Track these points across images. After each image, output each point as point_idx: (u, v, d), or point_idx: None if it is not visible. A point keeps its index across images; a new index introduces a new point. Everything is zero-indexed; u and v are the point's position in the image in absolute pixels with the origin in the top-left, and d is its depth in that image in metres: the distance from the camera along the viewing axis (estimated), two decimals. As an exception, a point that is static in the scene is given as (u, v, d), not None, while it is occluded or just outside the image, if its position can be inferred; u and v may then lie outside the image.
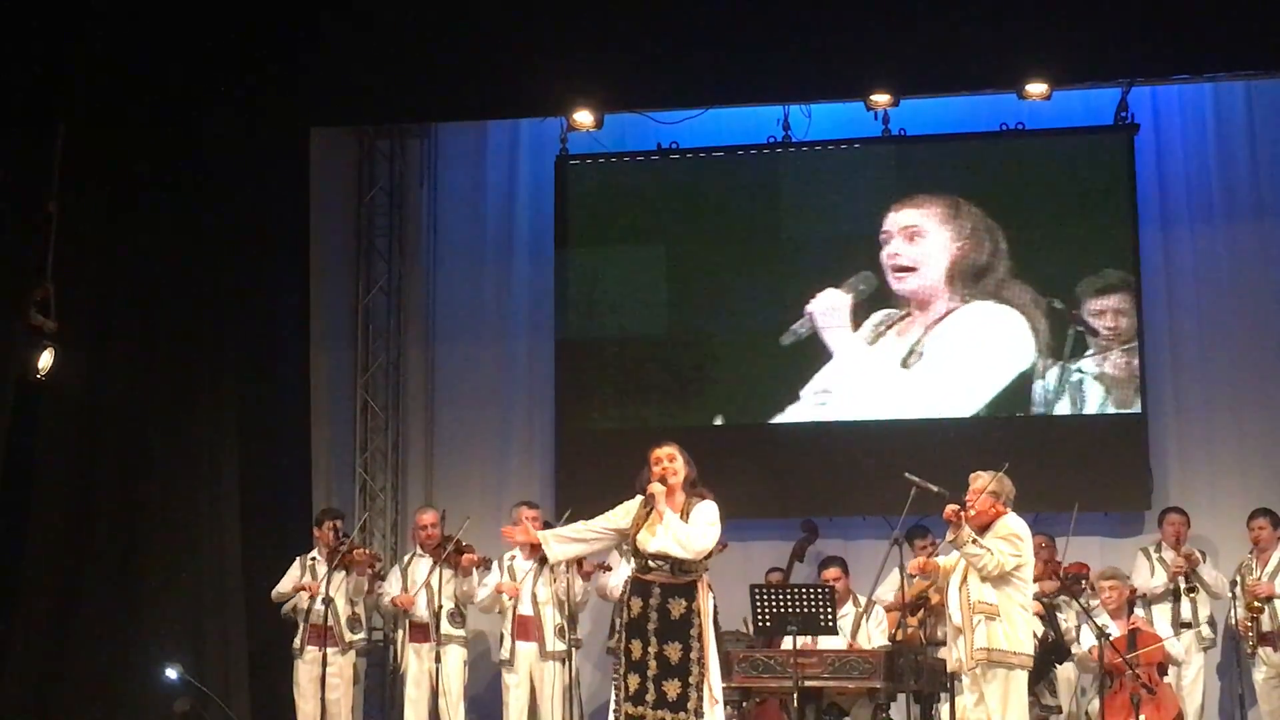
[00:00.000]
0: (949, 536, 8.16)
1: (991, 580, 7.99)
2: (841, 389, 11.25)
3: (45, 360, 9.45)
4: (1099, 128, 11.12)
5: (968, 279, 11.15)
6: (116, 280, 10.06)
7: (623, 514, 7.55)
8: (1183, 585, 9.96)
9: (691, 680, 7.33)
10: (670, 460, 7.48)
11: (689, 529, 7.39)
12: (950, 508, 8.11)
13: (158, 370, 10.16)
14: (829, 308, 11.27)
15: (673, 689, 7.33)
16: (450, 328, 12.03)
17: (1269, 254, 11.00)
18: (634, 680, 7.40)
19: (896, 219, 11.28)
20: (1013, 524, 8.13)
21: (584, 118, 10.94)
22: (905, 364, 11.14)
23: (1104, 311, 10.96)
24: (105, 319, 10.02)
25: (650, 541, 7.42)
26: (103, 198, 9.90)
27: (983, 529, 8.11)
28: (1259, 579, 9.84)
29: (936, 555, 9.27)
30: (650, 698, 7.35)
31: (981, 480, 8.19)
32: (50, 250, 9.45)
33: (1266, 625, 9.79)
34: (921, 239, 11.24)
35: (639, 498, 7.53)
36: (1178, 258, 11.17)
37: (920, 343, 11.15)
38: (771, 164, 11.53)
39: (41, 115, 9.33)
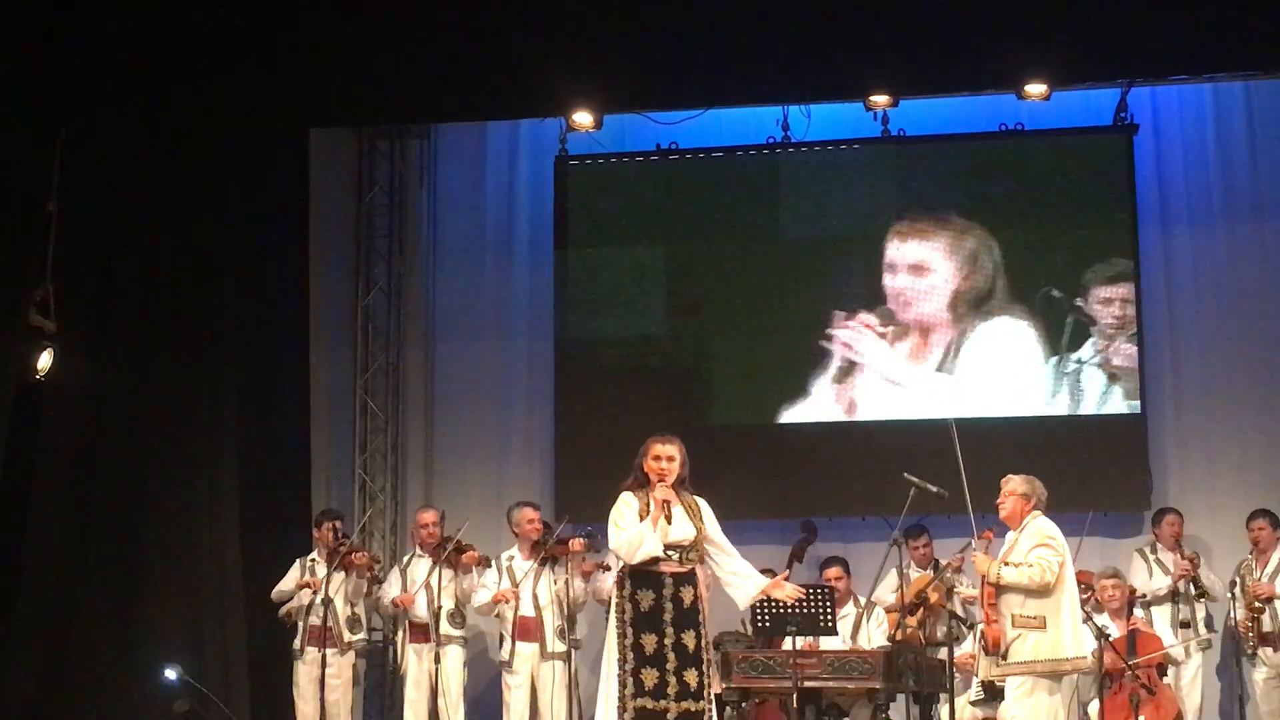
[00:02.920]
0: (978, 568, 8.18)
1: (1035, 592, 7.94)
2: (841, 390, 11.26)
3: (45, 361, 9.45)
4: (1098, 128, 11.12)
5: (970, 305, 11.15)
6: (116, 281, 10.06)
7: (629, 510, 7.55)
8: (1192, 590, 9.95)
9: (704, 668, 7.40)
10: (670, 461, 7.53)
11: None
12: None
13: (157, 370, 10.15)
14: (856, 333, 11.28)
15: (693, 678, 7.37)
16: (450, 328, 12.04)
17: (1268, 255, 11.00)
18: (651, 674, 7.36)
19: (903, 252, 11.25)
20: (1044, 526, 8.13)
21: (583, 118, 10.94)
22: (918, 371, 11.16)
23: (1111, 300, 10.96)
24: (105, 319, 10.01)
25: (670, 532, 7.43)
26: (102, 198, 9.90)
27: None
28: (1259, 580, 9.85)
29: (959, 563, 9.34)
30: (673, 690, 7.34)
31: (1012, 484, 8.23)
32: (50, 251, 9.45)
33: (1267, 626, 9.80)
34: (928, 272, 11.22)
35: (629, 495, 7.54)
36: (1177, 258, 11.17)
37: (927, 352, 11.17)
38: (771, 164, 11.53)
39: (41, 115, 9.32)
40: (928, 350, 11.16)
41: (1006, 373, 11.06)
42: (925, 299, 11.21)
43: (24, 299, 9.31)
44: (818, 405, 11.26)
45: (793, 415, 11.29)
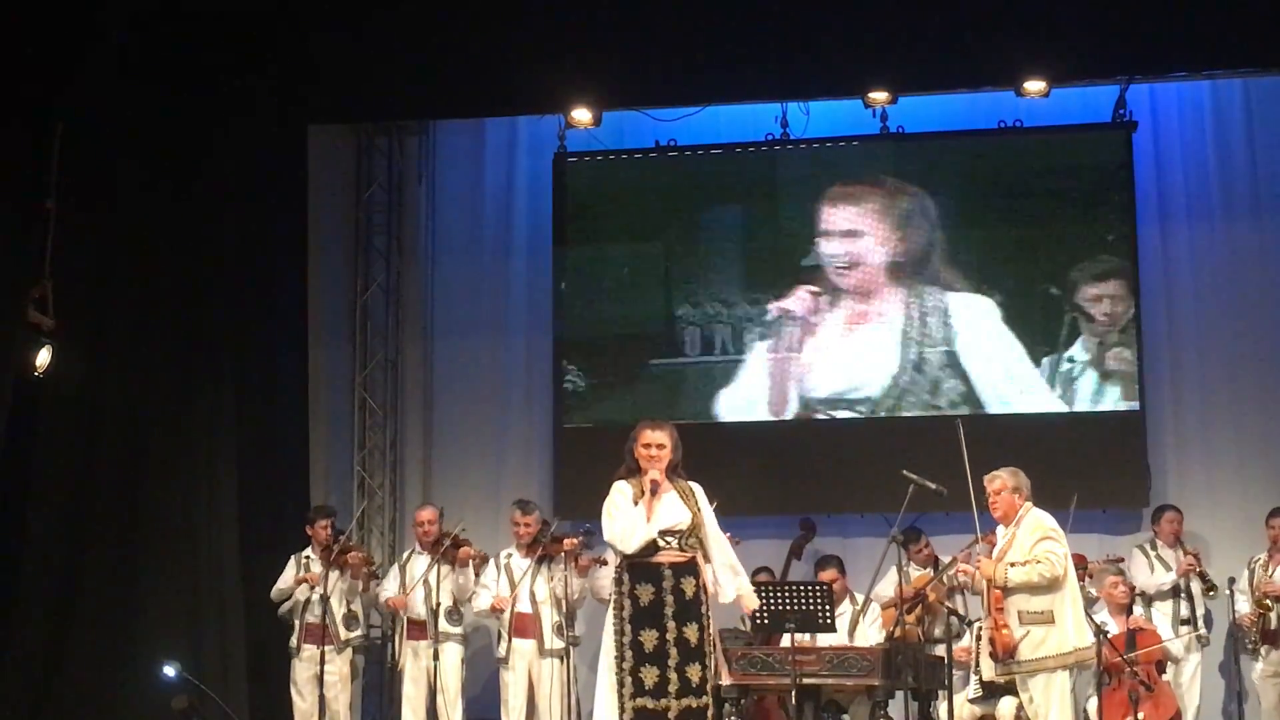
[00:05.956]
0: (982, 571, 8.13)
1: (1043, 587, 7.90)
2: (840, 387, 11.26)
3: (43, 358, 9.46)
4: (1097, 125, 11.11)
5: (909, 269, 11.15)
6: (114, 278, 10.06)
7: (622, 499, 7.49)
8: (1198, 586, 9.95)
9: (708, 662, 7.28)
10: (659, 448, 7.44)
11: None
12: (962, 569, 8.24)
13: (156, 368, 10.16)
14: (796, 304, 11.28)
15: (695, 673, 7.24)
16: (448, 325, 12.03)
17: (1267, 251, 11.00)
18: (651, 673, 7.25)
19: (834, 216, 11.25)
20: (1042, 518, 8.11)
21: (582, 115, 10.94)
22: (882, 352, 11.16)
23: (1100, 298, 10.96)
24: (103, 316, 10.02)
25: (661, 515, 7.35)
26: (101, 195, 9.89)
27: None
28: (1271, 578, 9.82)
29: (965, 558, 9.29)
30: (674, 687, 7.22)
31: (999, 480, 8.18)
32: (49, 248, 9.45)
33: (1273, 624, 9.77)
34: (859, 238, 11.22)
35: (622, 483, 7.47)
36: (1176, 255, 11.17)
37: (888, 334, 11.17)
38: (770, 161, 11.53)
39: (41, 113, 9.32)
40: (924, 346, 11.14)
41: (1003, 368, 11.06)
42: (865, 283, 11.23)
43: (23, 296, 9.31)
44: (815, 403, 11.25)
45: (791, 412, 11.27)
